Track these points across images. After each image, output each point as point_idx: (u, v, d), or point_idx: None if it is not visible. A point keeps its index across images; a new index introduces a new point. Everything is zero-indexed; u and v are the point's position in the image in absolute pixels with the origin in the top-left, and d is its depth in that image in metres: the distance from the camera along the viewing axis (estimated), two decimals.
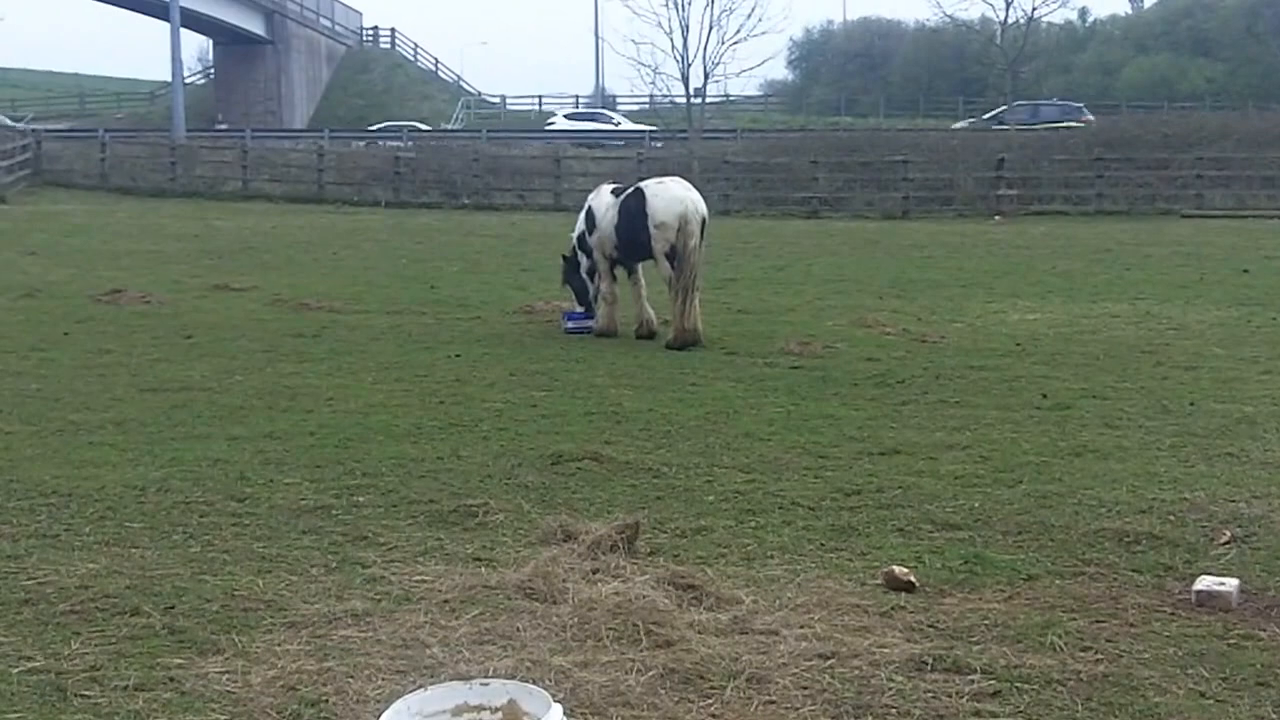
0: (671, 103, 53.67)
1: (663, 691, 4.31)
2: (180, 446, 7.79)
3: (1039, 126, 47.55)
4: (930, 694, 4.31)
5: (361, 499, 6.65)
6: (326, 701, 4.23)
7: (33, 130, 42.51)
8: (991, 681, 4.39)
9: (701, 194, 12.83)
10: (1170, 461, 7.45)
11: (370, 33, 78.38)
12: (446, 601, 5.13)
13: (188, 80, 61.90)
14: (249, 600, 5.14)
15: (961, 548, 5.85)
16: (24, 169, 37.08)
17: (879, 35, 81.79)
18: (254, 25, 66.64)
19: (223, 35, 67.78)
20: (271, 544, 5.88)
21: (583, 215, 13.09)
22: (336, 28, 74.49)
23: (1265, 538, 5.98)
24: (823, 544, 5.94)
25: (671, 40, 49.58)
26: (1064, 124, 49.26)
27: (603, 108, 58.59)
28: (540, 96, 75.44)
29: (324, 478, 7.06)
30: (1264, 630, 4.86)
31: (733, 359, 11.36)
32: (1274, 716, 4.17)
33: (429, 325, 13.49)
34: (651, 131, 50.05)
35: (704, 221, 12.35)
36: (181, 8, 50.10)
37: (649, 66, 69.11)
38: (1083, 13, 78.41)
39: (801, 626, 4.87)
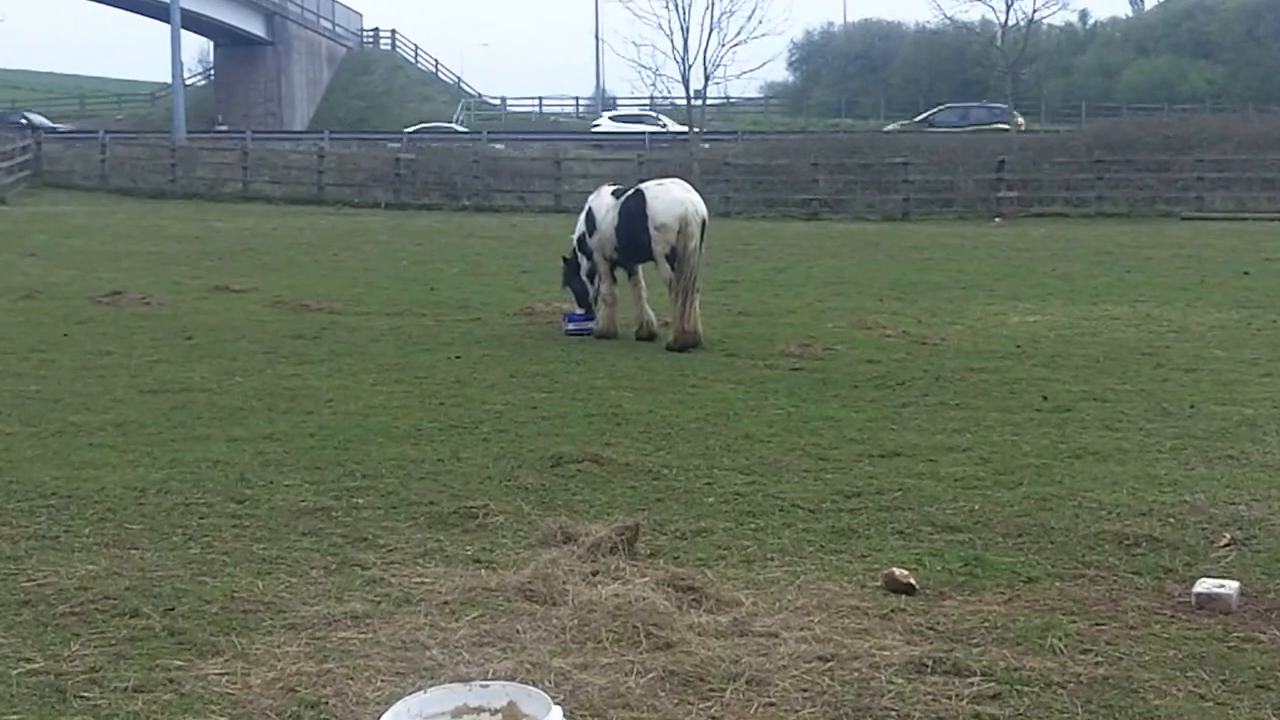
0: (672, 104, 53.65)
1: (662, 694, 4.31)
2: (180, 448, 7.79)
3: (968, 129, 47.62)
4: (930, 696, 4.31)
5: (361, 501, 6.65)
6: (326, 703, 4.23)
7: (68, 132, 42.55)
8: (991, 684, 4.39)
9: (702, 196, 12.83)
10: (1170, 464, 7.45)
11: (370, 34, 78.46)
12: (446, 603, 5.13)
13: (188, 82, 61.95)
14: (249, 602, 5.13)
15: (961, 550, 5.85)
16: (24, 170, 37.09)
17: (879, 37, 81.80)
18: (254, 27, 66.69)
19: (223, 36, 67.85)
20: (271, 546, 5.88)
21: (583, 217, 13.09)
22: (337, 29, 74.54)
23: (1265, 540, 5.98)
24: (823, 546, 5.94)
25: (672, 42, 49.45)
26: (993, 126, 49.35)
27: (651, 109, 58.22)
28: (540, 98, 75.49)
29: (324, 479, 7.06)
30: (1264, 633, 4.86)
31: (733, 361, 11.36)
32: (1274, 719, 4.17)
33: (429, 327, 13.49)
34: (699, 133, 50.10)
35: (704, 223, 12.35)
36: (182, 9, 50.14)
37: (649, 68, 69.36)
38: (1083, 15, 78.48)
39: (801, 629, 4.87)
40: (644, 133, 51.87)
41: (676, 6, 48.41)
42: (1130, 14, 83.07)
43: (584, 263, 13.06)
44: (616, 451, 7.69)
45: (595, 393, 9.79)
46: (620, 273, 12.92)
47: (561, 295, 13.95)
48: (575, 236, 13.20)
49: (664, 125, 55.79)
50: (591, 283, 13.03)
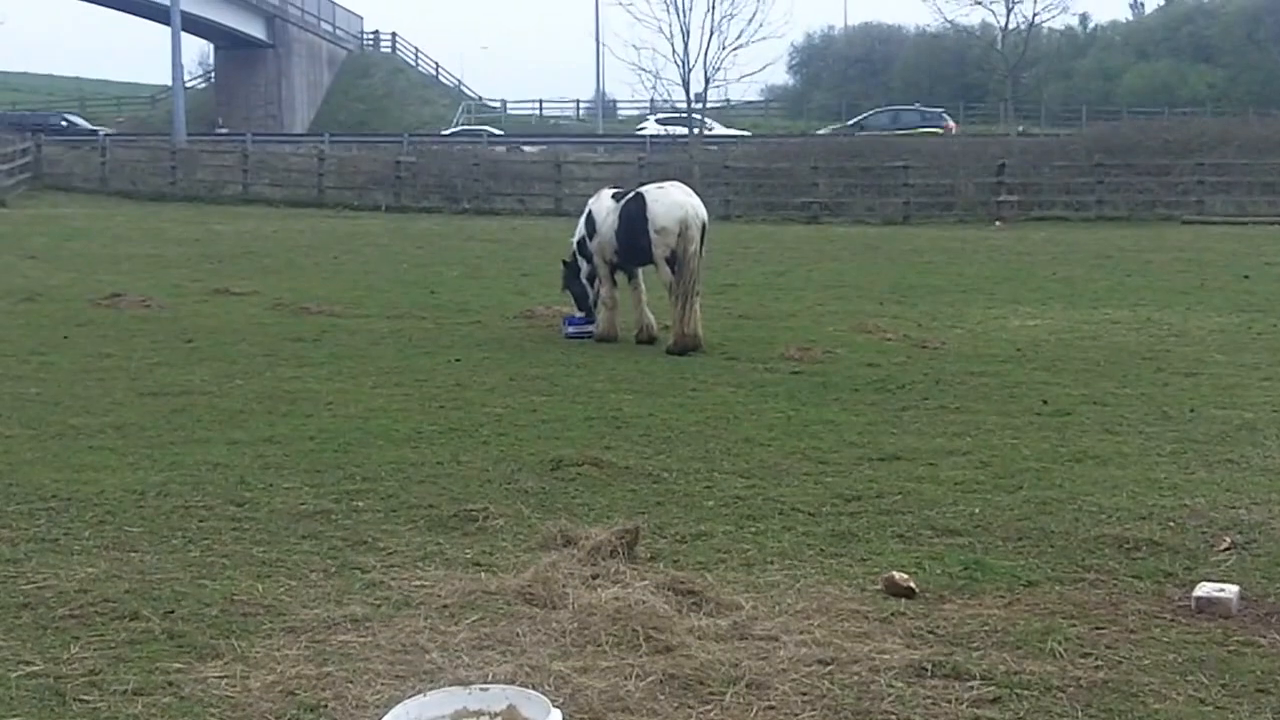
0: (672, 108, 53.67)
1: (662, 697, 4.31)
2: (180, 451, 7.79)
3: (900, 132, 47.59)
4: (930, 700, 4.31)
5: (361, 504, 6.65)
6: (325, 707, 4.23)
7: (105, 134, 42.72)
8: (991, 688, 4.39)
9: (702, 199, 12.83)
10: (1170, 468, 7.45)
11: (371, 37, 78.47)
12: (446, 607, 5.13)
13: (188, 84, 61.91)
14: (248, 605, 5.13)
15: (961, 554, 5.85)
16: (24, 172, 37.08)
17: (880, 40, 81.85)
18: (255, 29, 66.72)
19: (223, 39, 67.88)
20: (271, 549, 5.88)
21: (583, 220, 13.09)
22: (337, 32, 74.57)
23: (1265, 544, 5.98)
24: (822, 550, 5.94)
25: (672, 45, 49.61)
26: (923, 129, 49.24)
27: (696, 112, 58.09)
28: (540, 101, 75.55)
29: (324, 482, 7.06)
30: (1264, 637, 4.86)
31: (733, 364, 11.36)
32: None
33: (429, 330, 13.49)
34: (745, 136, 50.10)
35: (704, 226, 12.35)
36: (182, 11, 50.12)
37: (650, 72, 69.32)
38: (1083, 18, 78.55)
39: (801, 632, 4.87)
40: (690, 136, 51.64)
41: (677, 10, 48.55)
42: (1131, 17, 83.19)
43: (584, 266, 13.05)
44: (616, 455, 7.69)
45: (595, 396, 9.79)
46: (620, 276, 12.92)
47: (561, 298, 13.95)
48: (575, 240, 13.19)
49: (711, 128, 55.62)
50: (591, 286, 13.02)
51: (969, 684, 4.41)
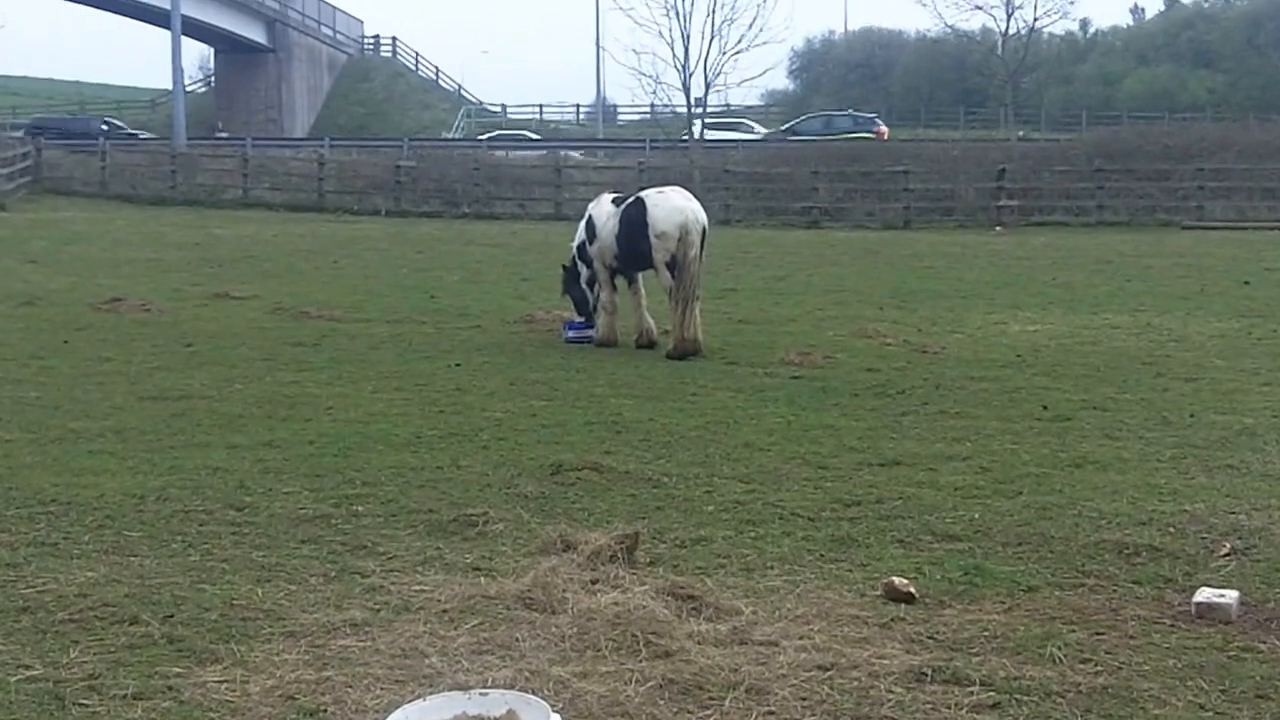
0: (673, 112, 53.65)
1: (662, 702, 4.31)
2: (180, 455, 7.79)
3: (833, 137, 47.59)
4: (930, 705, 4.30)
5: (361, 508, 6.64)
6: (325, 711, 4.23)
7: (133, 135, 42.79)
8: (991, 693, 4.39)
9: (702, 204, 12.83)
10: (1170, 473, 7.45)
11: (371, 41, 78.52)
12: (445, 611, 5.13)
13: (188, 88, 61.89)
14: (248, 609, 5.13)
15: (961, 559, 5.85)
16: (24, 176, 37.09)
17: (880, 45, 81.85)
18: (255, 34, 66.77)
19: (224, 43, 67.92)
20: (270, 553, 5.88)
21: (583, 224, 13.09)
22: (338, 36, 74.62)
23: (1265, 550, 5.98)
24: (822, 555, 5.94)
25: (673, 50, 49.47)
26: (856, 134, 49.25)
27: (735, 117, 57.84)
28: (541, 105, 75.55)
29: (323, 487, 7.06)
30: (1264, 642, 4.86)
31: (733, 369, 11.36)
32: None
33: (429, 334, 13.49)
34: (779, 134, 50.17)
35: (704, 231, 12.35)
36: (183, 15, 50.13)
37: (650, 76, 69.26)
38: (1084, 24, 78.52)
39: (801, 637, 4.87)
40: (738, 140, 51.56)
41: (677, 14, 48.49)
42: (1131, 23, 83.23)
43: (584, 270, 13.05)
44: (616, 459, 7.68)
45: (595, 400, 9.79)
46: (620, 280, 12.92)
47: (561, 303, 13.96)
48: (575, 244, 13.20)
49: (756, 132, 55.77)
50: (591, 290, 13.02)
51: (969, 689, 4.41)
